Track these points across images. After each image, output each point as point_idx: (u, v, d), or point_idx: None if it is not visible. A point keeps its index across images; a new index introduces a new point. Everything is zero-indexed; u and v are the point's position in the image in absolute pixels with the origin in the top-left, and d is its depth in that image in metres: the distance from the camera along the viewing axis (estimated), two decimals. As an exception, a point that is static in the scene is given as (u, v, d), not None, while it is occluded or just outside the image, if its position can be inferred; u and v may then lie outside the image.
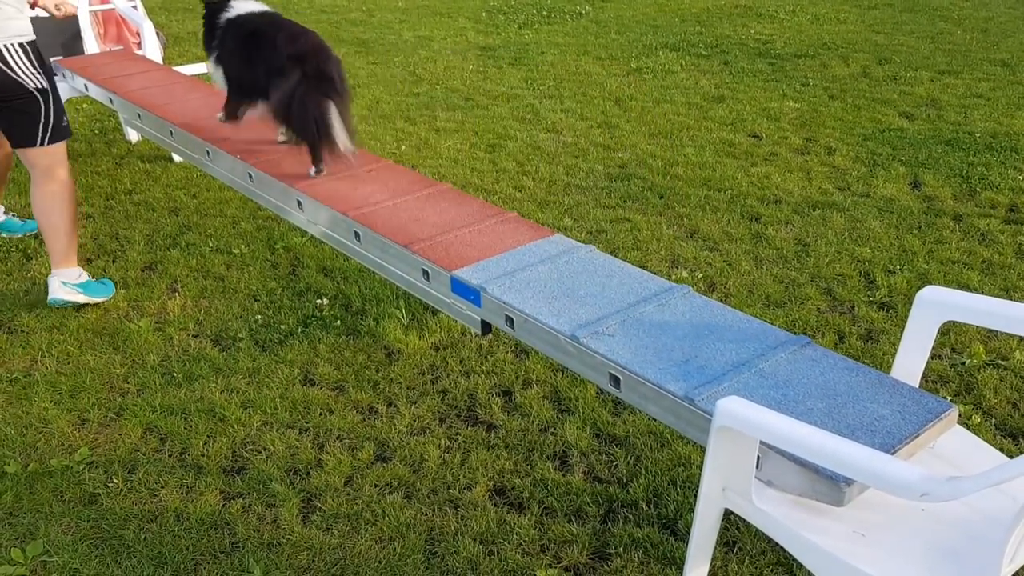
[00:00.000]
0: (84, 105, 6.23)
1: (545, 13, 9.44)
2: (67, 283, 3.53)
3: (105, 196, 4.71)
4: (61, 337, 3.40)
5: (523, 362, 3.24)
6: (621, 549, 2.40)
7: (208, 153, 3.68)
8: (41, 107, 3.39)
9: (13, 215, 4.32)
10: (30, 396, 3.06)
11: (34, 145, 3.41)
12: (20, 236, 4.21)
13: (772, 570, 2.33)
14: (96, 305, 3.62)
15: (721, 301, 3.48)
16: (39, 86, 3.38)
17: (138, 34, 5.54)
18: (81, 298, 3.56)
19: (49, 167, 3.47)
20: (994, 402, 2.99)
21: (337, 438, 2.86)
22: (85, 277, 3.61)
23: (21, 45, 3.32)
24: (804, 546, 1.76)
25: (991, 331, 3.37)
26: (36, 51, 3.38)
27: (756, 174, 4.99)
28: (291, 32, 3.31)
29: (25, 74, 3.33)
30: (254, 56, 3.38)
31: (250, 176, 3.44)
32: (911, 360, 2.15)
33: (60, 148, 3.50)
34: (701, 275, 3.86)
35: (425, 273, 2.72)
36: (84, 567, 2.36)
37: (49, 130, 3.43)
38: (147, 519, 2.53)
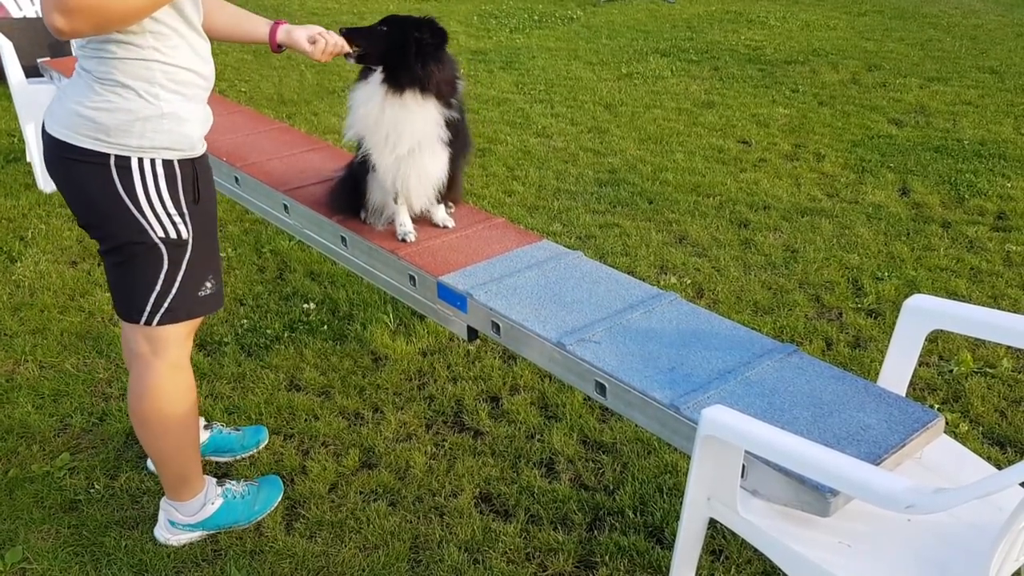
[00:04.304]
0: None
1: (537, 18, 9.44)
2: (176, 523, 2.44)
3: (91, 198, 4.67)
4: (44, 341, 3.37)
5: (511, 368, 3.22)
6: (607, 557, 2.39)
7: (195, 156, 3.65)
8: (163, 266, 2.13)
9: (221, 426, 2.84)
10: (11, 400, 3.03)
11: (134, 321, 2.17)
12: (245, 456, 2.80)
13: (758, 579, 2.33)
14: (80, 309, 3.58)
15: (709, 307, 3.48)
16: (168, 236, 2.10)
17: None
18: (196, 536, 2.46)
19: (150, 354, 2.22)
20: (981, 410, 2.99)
21: (322, 444, 2.84)
22: (211, 508, 2.45)
23: (167, 165, 2.06)
24: (789, 557, 1.75)
25: (979, 339, 3.37)
26: (192, 178, 2.12)
27: (745, 180, 4.99)
28: None
29: (153, 212, 2.07)
30: None
31: (236, 180, 3.41)
32: (898, 368, 2.15)
33: (173, 332, 2.21)
34: (689, 281, 3.85)
35: (411, 278, 2.71)
36: (64, 574, 2.33)
37: (164, 304, 2.15)
38: (128, 526, 2.50)
